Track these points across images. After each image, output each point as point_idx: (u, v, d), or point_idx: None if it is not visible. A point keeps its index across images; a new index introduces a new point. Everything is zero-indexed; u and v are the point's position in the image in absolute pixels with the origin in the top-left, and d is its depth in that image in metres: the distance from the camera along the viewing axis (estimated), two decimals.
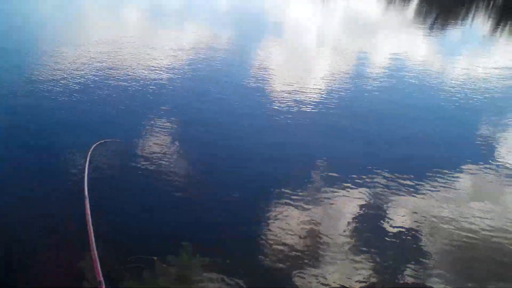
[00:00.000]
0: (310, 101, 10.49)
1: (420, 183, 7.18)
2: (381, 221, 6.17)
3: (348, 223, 6.09)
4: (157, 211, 5.98)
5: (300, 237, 5.67)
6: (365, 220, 6.19)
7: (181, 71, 12.23)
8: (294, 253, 5.38)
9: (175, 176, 6.84)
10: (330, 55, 15.70)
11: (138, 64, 12.47)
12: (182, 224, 5.82)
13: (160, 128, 8.48)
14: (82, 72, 11.37)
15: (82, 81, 10.75)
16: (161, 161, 7.21)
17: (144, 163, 7.13)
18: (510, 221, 6.33)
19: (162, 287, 4.65)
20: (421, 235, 5.92)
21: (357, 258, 5.38)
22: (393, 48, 16.90)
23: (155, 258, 4.92)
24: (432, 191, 6.99)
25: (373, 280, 5.06)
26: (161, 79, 11.29)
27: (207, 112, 9.50)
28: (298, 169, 7.44)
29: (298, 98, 10.56)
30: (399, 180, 7.21)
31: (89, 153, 6.86)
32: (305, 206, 6.34)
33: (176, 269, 4.89)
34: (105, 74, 11.39)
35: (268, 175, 7.17)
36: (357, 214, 6.31)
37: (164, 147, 7.76)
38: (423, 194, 6.89)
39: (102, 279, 3.02)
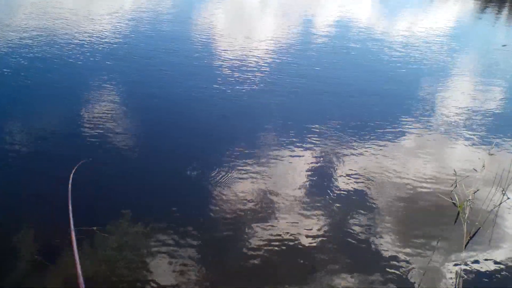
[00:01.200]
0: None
1: (364, 140, 7.42)
2: (330, 178, 6.40)
3: (296, 182, 6.28)
4: (99, 182, 5.98)
5: (248, 200, 5.81)
6: (313, 178, 6.41)
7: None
8: (241, 215, 5.52)
9: (119, 144, 6.78)
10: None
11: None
12: (125, 192, 5.85)
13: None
14: None
15: None
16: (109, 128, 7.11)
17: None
18: (445, 172, 6.70)
19: (101, 256, 4.73)
20: (367, 190, 6.20)
21: (306, 213, 5.62)
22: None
23: (95, 228, 4.98)
24: (375, 147, 7.25)
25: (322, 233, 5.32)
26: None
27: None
28: (245, 131, 7.52)
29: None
30: (346, 137, 7.42)
31: None
32: (253, 167, 6.46)
33: (117, 237, 4.97)
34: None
35: (215, 140, 7.23)
36: (305, 172, 6.50)
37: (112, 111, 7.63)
38: (366, 150, 7.14)
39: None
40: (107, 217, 5.17)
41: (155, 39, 12.17)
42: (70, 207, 4.66)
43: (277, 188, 6.04)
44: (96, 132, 6.98)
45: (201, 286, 4.47)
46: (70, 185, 5.15)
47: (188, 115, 8.08)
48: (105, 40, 11.63)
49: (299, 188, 6.12)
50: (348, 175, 6.46)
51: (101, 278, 4.45)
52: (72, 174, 5.45)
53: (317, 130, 7.62)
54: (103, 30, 12.53)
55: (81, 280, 3.40)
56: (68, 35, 11.77)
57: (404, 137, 7.71)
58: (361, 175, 6.47)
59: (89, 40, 11.49)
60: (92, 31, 12.28)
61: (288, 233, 5.25)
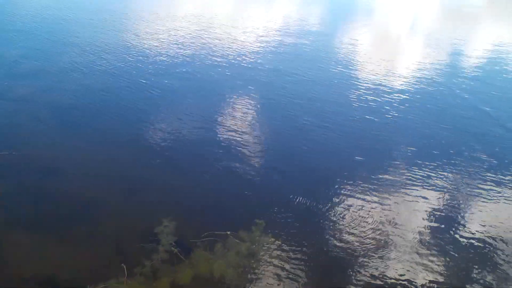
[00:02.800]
0: None
1: None
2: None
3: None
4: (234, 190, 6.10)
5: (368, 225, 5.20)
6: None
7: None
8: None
9: (251, 160, 6.82)
10: None
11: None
12: (257, 203, 5.82)
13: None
14: None
15: None
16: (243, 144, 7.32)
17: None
18: None
19: (232, 259, 4.72)
20: None
21: None
22: None
23: (228, 232, 5.03)
24: None
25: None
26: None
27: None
28: None
29: None
30: None
31: None
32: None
33: (248, 244, 4.92)
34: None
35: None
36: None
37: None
38: None
39: None
40: (241, 224, 5.19)
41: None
42: None
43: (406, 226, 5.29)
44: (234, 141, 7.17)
45: None
46: None
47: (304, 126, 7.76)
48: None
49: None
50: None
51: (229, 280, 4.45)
52: None
53: None
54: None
55: None
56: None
57: None
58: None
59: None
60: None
61: None
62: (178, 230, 5.02)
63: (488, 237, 5.30)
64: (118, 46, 11.46)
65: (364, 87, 9.76)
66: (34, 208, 5.35)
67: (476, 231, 5.39)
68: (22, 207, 5.36)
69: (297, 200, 5.79)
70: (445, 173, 6.56)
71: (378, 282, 4.58)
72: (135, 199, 5.65)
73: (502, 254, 5.03)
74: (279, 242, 4.99)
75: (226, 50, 11.67)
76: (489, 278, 4.68)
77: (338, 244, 5.06)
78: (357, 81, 10.14)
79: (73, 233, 4.95)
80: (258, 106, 8.64)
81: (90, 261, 4.62)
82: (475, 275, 4.73)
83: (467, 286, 4.60)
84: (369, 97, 9.20)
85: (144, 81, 9.27)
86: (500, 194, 6.13)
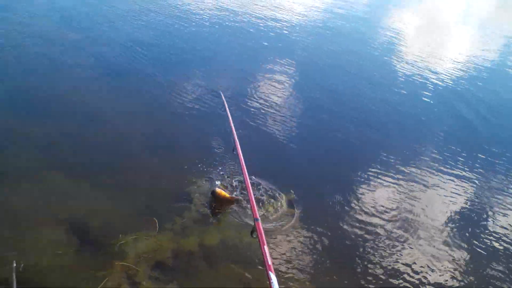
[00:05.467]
0: None
1: None
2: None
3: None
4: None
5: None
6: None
7: None
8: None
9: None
10: None
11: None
12: (285, 176, 5.83)
13: None
14: None
15: None
16: None
17: None
18: None
19: None
20: None
21: None
22: None
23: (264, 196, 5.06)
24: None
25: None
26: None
27: None
28: None
29: None
30: None
31: None
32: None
33: (276, 215, 4.96)
34: None
35: None
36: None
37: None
38: None
39: (258, 217, 3.18)
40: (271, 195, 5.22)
41: None
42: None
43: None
44: None
45: None
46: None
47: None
48: None
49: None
50: None
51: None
52: None
53: None
54: None
55: None
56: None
57: None
58: None
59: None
60: None
61: None
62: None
63: None
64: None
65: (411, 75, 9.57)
66: (73, 153, 5.46)
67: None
68: (61, 151, 5.48)
69: (325, 182, 5.80)
70: (483, 170, 6.44)
71: (397, 272, 4.56)
72: (172, 157, 5.73)
73: None
74: (304, 218, 5.02)
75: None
76: None
77: (358, 231, 5.05)
78: (399, 67, 9.95)
79: (108, 183, 5.04)
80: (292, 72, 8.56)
81: (123, 212, 4.71)
82: (502, 276, 4.70)
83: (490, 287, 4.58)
84: (415, 85, 9.04)
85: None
86: None
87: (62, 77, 7.20)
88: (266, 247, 2.79)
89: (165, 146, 5.94)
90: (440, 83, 9.74)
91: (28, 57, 7.64)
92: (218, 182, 4.93)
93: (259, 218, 3.12)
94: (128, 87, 7.27)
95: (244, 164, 3.95)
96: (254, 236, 2.98)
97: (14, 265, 2.77)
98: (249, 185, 3.67)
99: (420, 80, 9.52)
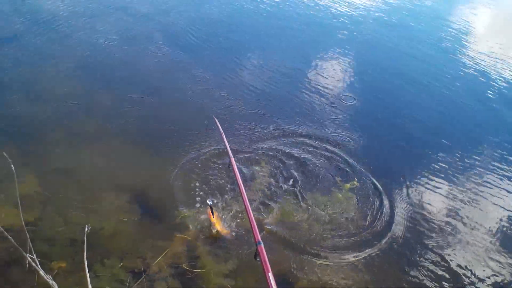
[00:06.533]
0: None
1: None
2: None
3: None
4: None
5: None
6: None
7: None
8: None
9: None
10: None
11: None
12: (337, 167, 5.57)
13: None
14: None
15: None
16: None
17: None
18: None
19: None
20: None
21: None
22: None
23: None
24: None
25: None
26: None
27: None
28: None
29: None
30: None
31: None
32: None
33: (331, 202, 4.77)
34: None
35: None
36: None
37: None
38: None
39: (260, 239, 2.74)
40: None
41: None
42: None
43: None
44: None
45: None
46: None
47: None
48: None
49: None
50: None
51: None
52: None
53: None
54: None
55: None
56: None
57: None
58: None
59: None
60: None
61: None
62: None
63: None
64: None
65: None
66: (141, 125, 5.59)
67: None
68: (128, 121, 5.61)
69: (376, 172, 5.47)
70: None
71: (437, 271, 4.24)
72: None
73: None
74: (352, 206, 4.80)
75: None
76: None
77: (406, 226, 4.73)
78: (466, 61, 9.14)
79: (174, 155, 5.09)
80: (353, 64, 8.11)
81: (181, 186, 4.72)
82: None
83: None
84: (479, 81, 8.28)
85: None
86: None
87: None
88: (271, 274, 2.44)
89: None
90: None
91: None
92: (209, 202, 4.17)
93: (262, 242, 2.70)
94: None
95: (241, 181, 3.40)
96: (258, 260, 2.62)
97: (86, 229, 2.81)
98: (248, 205, 3.11)
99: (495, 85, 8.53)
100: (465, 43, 9.86)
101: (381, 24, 9.98)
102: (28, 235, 2.78)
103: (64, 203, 4.31)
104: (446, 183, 5.35)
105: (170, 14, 8.74)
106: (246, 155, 5.26)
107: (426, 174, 5.44)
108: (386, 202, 4.87)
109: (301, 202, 4.68)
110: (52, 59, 6.77)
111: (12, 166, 2.64)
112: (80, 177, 4.68)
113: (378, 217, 4.68)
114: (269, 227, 4.33)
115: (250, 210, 3.04)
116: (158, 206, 4.47)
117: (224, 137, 4.15)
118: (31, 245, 2.72)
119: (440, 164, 5.65)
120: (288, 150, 5.40)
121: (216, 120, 4.58)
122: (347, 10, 10.39)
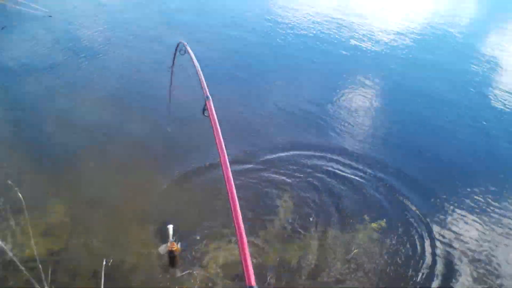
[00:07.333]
0: None
1: None
2: None
3: None
4: None
5: None
6: None
7: None
8: None
9: None
10: None
11: None
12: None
13: None
14: None
15: None
16: None
17: None
18: None
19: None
20: None
21: None
22: None
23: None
24: None
25: None
26: None
27: None
28: None
29: None
30: None
31: None
32: None
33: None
34: None
35: None
36: None
37: None
38: None
39: (209, 95, 2.80)
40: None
41: None
42: None
43: None
44: None
45: None
46: None
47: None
48: None
49: None
50: None
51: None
52: None
53: None
54: None
55: None
56: None
57: None
58: None
59: None
60: None
61: None
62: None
63: None
64: None
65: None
66: (162, 154, 5.75)
67: None
68: (152, 150, 5.80)
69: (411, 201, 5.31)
70: None
71: None
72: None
73: None
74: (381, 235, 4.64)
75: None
76: None
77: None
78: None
79: (196, 186, 5.18)
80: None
81: (205, 219, 4.74)
82: None
83: None
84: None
85: None
86: None
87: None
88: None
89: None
90: None
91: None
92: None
93: (210, 96, 2.70)
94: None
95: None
96: (206, 115, 2.62)
97: (104, 263, 2.88)
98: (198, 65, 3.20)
99: None
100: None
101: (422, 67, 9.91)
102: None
103: (90, 233, 4.42)
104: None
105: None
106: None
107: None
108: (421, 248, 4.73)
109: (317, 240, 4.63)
110: (86, 89, 7.13)
111: (19, 194, 2.74)
112: (108, 207, 4.80)
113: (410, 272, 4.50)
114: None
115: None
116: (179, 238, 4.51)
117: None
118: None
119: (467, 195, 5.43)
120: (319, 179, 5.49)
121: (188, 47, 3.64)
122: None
